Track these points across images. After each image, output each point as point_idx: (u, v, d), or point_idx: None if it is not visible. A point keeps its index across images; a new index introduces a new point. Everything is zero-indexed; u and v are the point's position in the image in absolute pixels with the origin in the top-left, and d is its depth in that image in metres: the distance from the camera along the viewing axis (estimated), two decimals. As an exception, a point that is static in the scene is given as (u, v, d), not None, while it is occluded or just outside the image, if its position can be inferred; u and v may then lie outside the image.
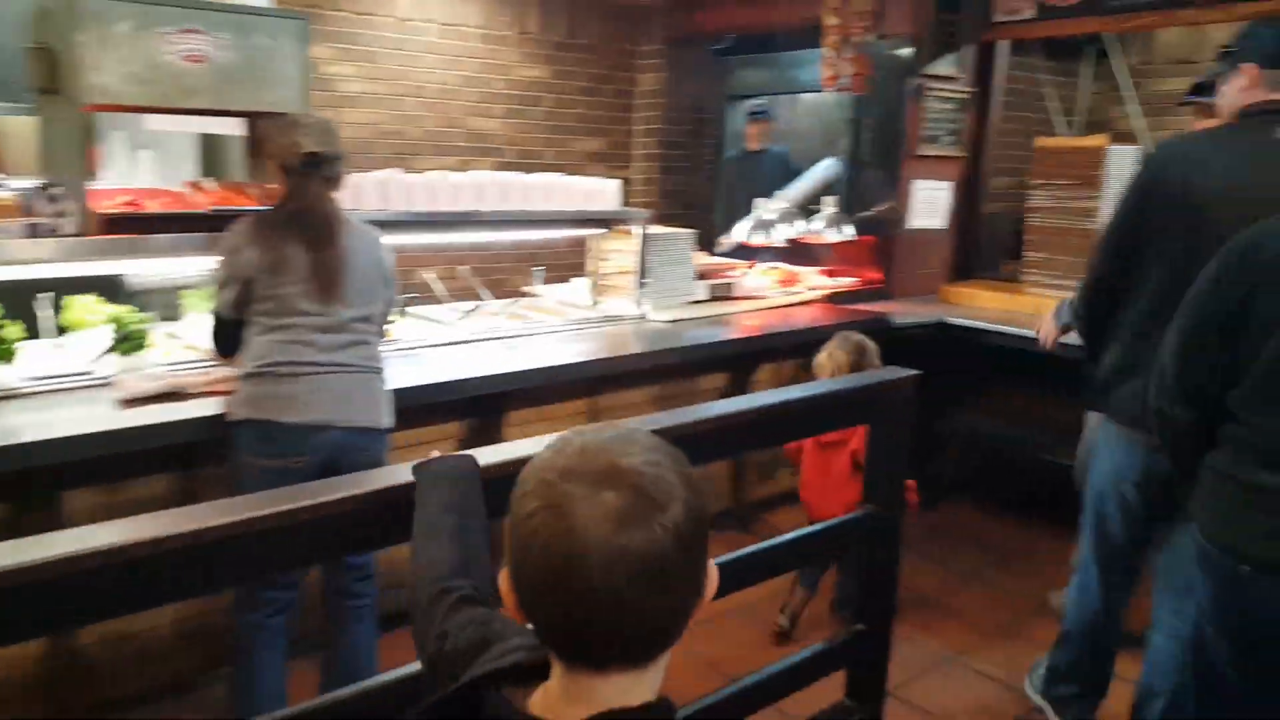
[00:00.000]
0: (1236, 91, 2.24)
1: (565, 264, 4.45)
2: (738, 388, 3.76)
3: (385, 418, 2.30)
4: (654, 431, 0.86)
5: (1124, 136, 5.10)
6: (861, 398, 2.07)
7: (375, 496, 1.32)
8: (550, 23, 5.39)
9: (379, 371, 2.31)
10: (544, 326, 3.44)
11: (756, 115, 5.27)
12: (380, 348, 2.36)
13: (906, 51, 4.24)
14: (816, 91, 5.89)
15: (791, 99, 6.14)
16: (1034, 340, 3.05)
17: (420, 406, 2.60)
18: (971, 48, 4.35)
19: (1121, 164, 3.77)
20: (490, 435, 2.98)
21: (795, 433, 2.45)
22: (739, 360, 3.71)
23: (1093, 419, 3.00)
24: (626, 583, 0.75)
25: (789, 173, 5.09)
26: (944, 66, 4.29)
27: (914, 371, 2.29)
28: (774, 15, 5.05)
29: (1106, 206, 3.77)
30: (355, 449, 2.20)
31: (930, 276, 4.49)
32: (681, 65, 5.82)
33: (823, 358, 3.03)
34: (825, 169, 4.94)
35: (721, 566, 0.90)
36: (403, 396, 2.42)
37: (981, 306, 4.17)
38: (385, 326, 2.45)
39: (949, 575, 3.57)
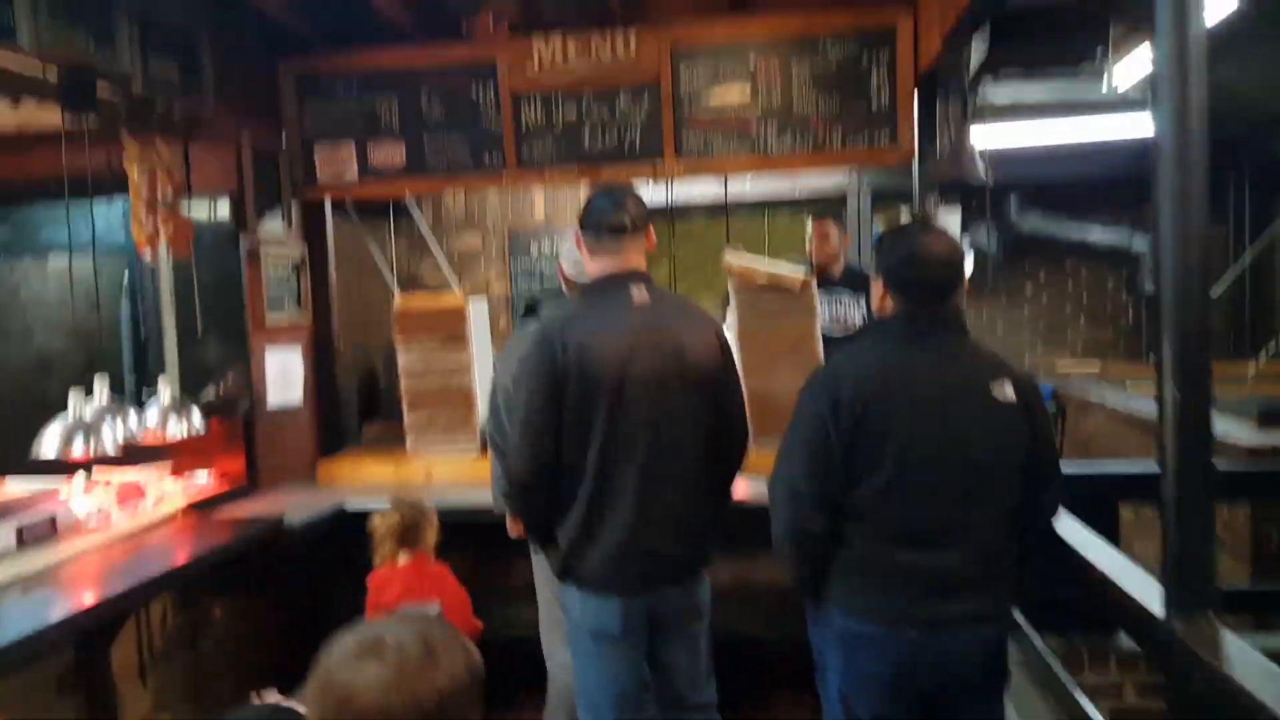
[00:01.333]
0: (583, 259, 2.39)
1: None
2: (90, 673, 2.65)
3: None
4: None
5: (436, 287, 5.34)
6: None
7: None
8: None
9: None
10: None
11: None
12: None
13: (225, 212, 3.71)
14: (72, 251, 4.92)
15: (39, 262, 5.15)
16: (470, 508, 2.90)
17: None
18: (297, 208, 4.02)
19: (479, 318, 3.83)
20: None
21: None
22: (89, 635, 2.62)
23: (546, 589, 2.89)
24: None
25: None
26: (271, 227, 3.87)
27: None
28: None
29: (473, 362, 3.77)
30: None
31: (299, 458, 3.95)
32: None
33: (377, 522, 2.92)
34: None
35: None
36: None
37: (371, 480, 3.80)
38: None
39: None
